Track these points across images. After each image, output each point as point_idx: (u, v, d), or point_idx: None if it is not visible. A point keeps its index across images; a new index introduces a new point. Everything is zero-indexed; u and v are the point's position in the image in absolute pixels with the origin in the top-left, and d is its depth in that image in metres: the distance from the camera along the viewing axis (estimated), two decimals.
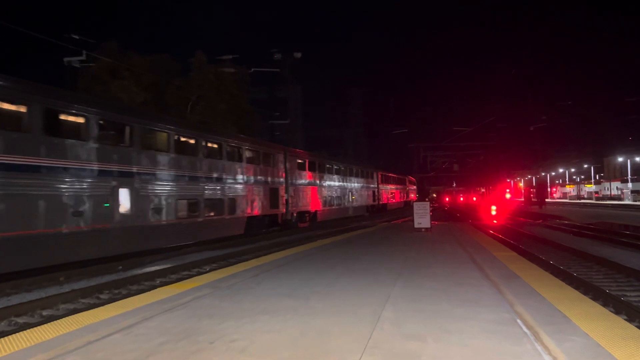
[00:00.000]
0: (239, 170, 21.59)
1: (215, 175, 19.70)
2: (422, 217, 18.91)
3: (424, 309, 6.07)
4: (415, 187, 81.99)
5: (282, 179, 26.26)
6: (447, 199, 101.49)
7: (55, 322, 5.93)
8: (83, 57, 22.85)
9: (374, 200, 47.52)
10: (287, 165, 27.08)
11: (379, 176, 50.47)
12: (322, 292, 7.32)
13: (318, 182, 32.31)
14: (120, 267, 14.58)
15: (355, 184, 41.20)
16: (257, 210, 23.11)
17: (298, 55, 40.75)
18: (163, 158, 16.70)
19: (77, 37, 21.47)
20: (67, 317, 6.18)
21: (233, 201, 20.90)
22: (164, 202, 16.43)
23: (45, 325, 5.77)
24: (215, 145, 20.35)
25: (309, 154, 33.63)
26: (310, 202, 30.56)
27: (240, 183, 21.57)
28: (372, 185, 46.97)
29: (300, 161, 29.70)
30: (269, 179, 24.60)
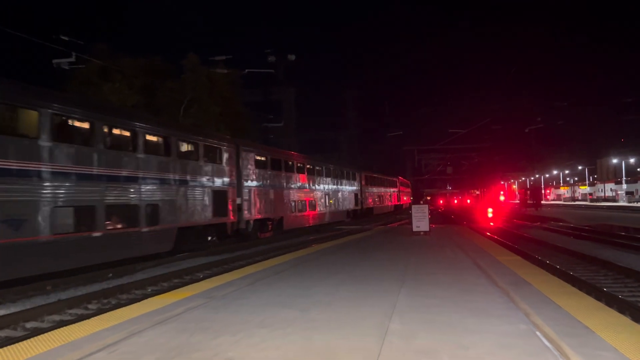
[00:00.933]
0: (164, 167, 16.69)
1: (124, 172, 14.84)
2: (420, 220, 18.54)
3: (434, 320, 5.65)
4: (408, 189, 79.22)
5: (232, 180, 21.30)
6: (441, 202, 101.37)
7: (36, 337, 5.47)
8: (73, 59, 22.35)
9: (356, 204, 42.77)
10: (241, 162, 22.28)
11: (363, 177, 45.87)
12: (323, 302, 6.89)
13: (285, 183, 27.49)
14: (111, 275, 14.09)
15: (333, 186, 36.32)
16: (194, 218, 18.25)
17: (292, 57, 40.32)
18: (26, 146, 11.80)
19: (66, 38, 21.02)
20: (50, 332, 5.72)
21: (154, 208, 16.03)
22: (26, 211, 11.54)
23: (25, 341, 5.31)
24: (125, 133, 15.52)
25: (272, 149, 28.77)
26: (274, 207, 25.70)
27: (166, 184, 16.72)
28: (354, 188, 42.31)
29: (260, 158, 24.70)
30: (214, 179, 19.74)
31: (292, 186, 28.71)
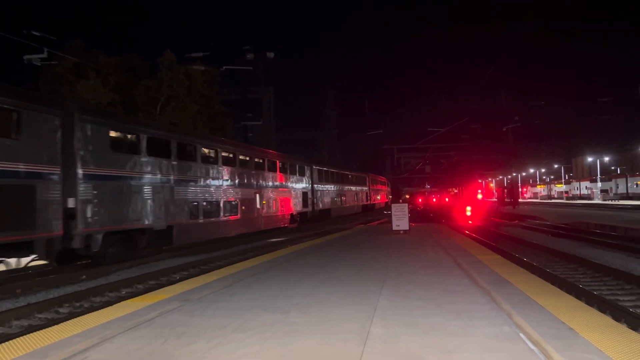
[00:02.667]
0: None
1: None
2: (400, 219, 18.50)
3: (416, 323, 5.51)
4: (384, 187, 73.99)
5: (49, 167, 13.32)
6: (420, 200, 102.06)
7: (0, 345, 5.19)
8: (44, 55, 21.77)
9: (305, 205, 34.49)
10: (77, 139, 14.42)
11: (315, 172, 37.58)
12: (303, 304, 6.71)
13: (177, 176, 18.89)
14: (84, 277, 13.72)
15: (268, 182, 27.62)
16: None
17: (271, 55, 40.00)
18: None
19: (37, 33, 20.47)
20: (16, 339, 5.44)
21: None
22: None
23: None
24: None
25: (150, 122, 21.56)
26: (153, 211, 17.33)
27: None
28: (301, 185, 34.09)
29: (122, 136, 16.86)
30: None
31: (193, 181, 19.93)
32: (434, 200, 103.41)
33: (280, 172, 30.22)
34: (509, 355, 4.37)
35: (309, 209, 35.67)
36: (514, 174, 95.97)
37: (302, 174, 34.79)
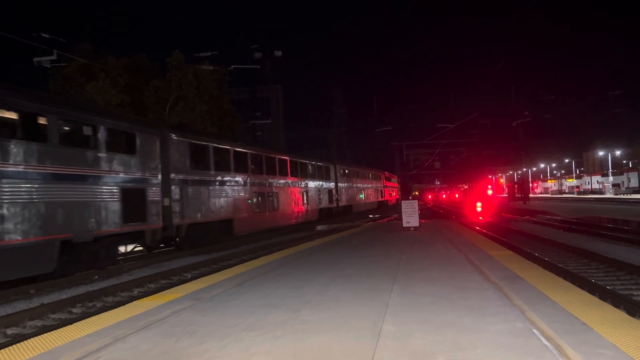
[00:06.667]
0: None
1: None
2: (410, 215, 18.46)
3: (428, 320, 5.48)
4: (378, 183, 60.62)
5: None
6: (429, 197, 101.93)
7: (14, 346, 5.23)
8: (54, 57, 21.91)
9: (142, 219, 15.91)
10: None
11: (178, 149, 18.64)
12: (314, 302, 6.71)
13: None
14: (97, 277, 13.81)
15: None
16: None
17: (279, 53, 40.00)
18: None
19: (47, 36, 20.59)
20: (30, 339, 5.47)
21: None
22: None
23: (2, 350, 5.08)
24: None
25: None
26: None
27: None
28: (128, 174, 15.29)
29: None
30: None
31: None
32: (444, 196, 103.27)
33: (36, 141, 12.12)
34: (523, 351, 4.34)
35: (161, 223, 17.05)
36: (524, 169, 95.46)
37: (128, 151, 15.69)
